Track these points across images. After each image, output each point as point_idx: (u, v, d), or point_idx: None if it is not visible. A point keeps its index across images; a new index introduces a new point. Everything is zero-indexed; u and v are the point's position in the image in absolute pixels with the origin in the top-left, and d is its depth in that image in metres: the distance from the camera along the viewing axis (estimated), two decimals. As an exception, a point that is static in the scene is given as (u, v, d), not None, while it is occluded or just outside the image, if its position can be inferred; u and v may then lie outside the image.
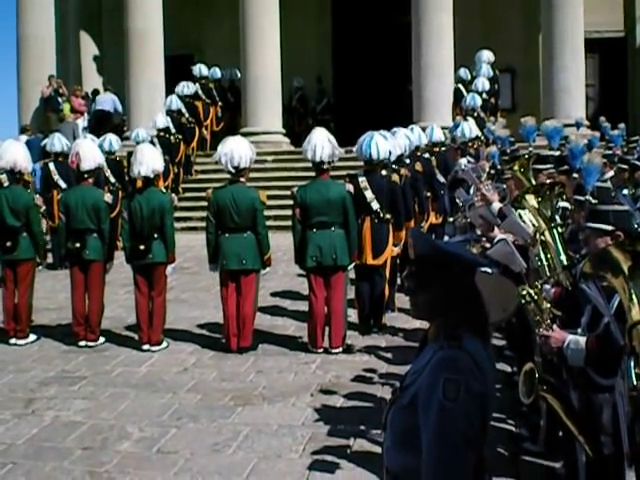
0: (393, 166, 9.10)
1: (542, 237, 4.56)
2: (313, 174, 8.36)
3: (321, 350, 7.95)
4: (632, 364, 3.06)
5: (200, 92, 19.23)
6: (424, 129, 12.14)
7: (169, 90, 18.47)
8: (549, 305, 4.04)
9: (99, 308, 8.58)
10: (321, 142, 8.04)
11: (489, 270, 4.49)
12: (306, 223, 8.03)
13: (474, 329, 2.55)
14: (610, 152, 10.16)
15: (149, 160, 8.44)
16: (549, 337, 3.86)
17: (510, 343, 7.10)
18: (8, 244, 8.60)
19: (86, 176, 8.72)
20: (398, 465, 2.59)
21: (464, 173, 8.23)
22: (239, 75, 19.70)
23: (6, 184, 9.02)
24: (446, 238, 9.38)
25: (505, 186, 6.83)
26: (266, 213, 8.46)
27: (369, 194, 8.52)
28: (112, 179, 13.48)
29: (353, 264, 8.29)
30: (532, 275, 4.79)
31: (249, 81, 18.60)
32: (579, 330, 3.90)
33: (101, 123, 18.97)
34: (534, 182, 5.46)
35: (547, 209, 4.69)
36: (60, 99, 19.55)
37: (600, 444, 3.75)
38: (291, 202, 8.37)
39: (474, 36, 19.74)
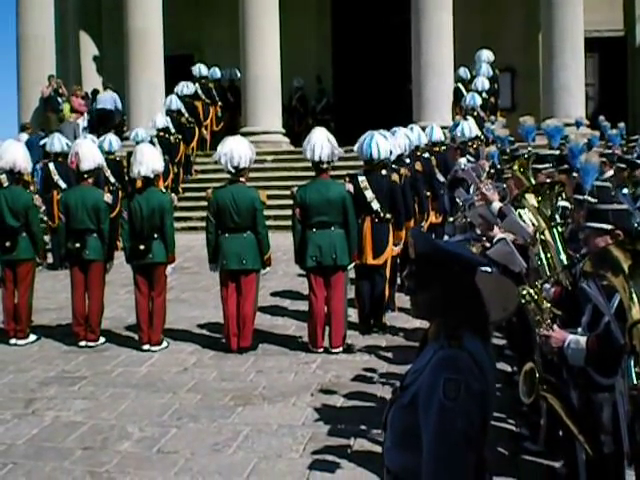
0: (393, 166, 9.10)
1: (542, 236, 4.57)
2: (313, 174, 8.36)
3: (321, 350, 7.95)
4: (632, 363, 3.06)
5: (200, 92, 19.22)
6: (424, 128, 12.13)
7: (169, 90, 18.47)
8: (549, 305, 4.04)
9: (99, 308, 8.58)
10: (320, 142, 8.04)
11: (489, 269, 4.49)
12: (306, 223, 8.03)
13: (474, 328, 2.55)
14: (610, 151, 10.15)
15: (149, 160, 8.44)
16: (549, 337, 3.86)
17: (510, 342, 7.10)
18: (7, 244, 8.61)
19: (86, 176, 8.72)
20: (398, 464, 2.59)
21: (464, 172, 8.22)
22: (239, 75, 19.69)
23: (6, 184, 9.02)
24: (446, 237, 9.37)
25: (505, 185, 6.83)
26: (266, 213, 8.46)
27: (369, 194, 8.52)
28: (112, 179, 13.48)
29: (353, 264, 8.29)
30: (532, 274, 4.79)
31: (249, 81, 18.60)
32: (579, 329, 3.90)
33: (103, 121, 18.99)
34: (534, 181, 5.46)
35: (547, 208, 4.69)
36: (60, 99, 19.56)
37: (600, 443, 3.75)
38: (291, 202, 8.37)
39: (474, 35, 19.74)
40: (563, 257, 4.48)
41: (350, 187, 8.34)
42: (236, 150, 8.05)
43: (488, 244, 5.63)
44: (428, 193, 10.82)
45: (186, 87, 18.42)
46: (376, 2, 21.42)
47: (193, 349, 8.25)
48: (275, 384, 7.04)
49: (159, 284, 8.37)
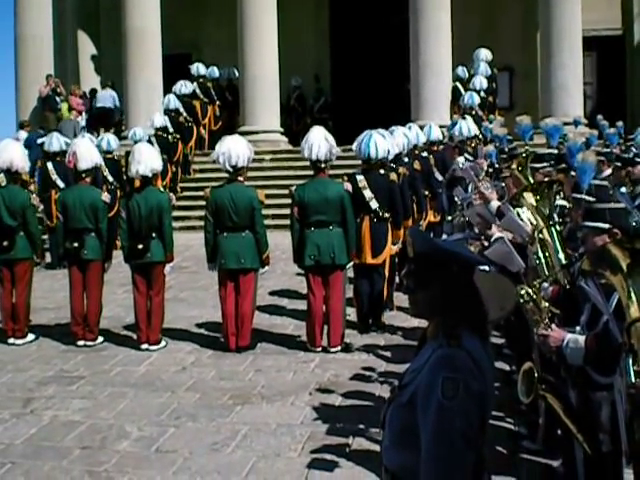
0: (391, 165, 9.10)
1: (540, 235, 4.57)
2: (311, 173, 8.36)
3: (320, 349, 7.95)
4: (630, 362, 3.07)
5: (198, 91, 19.20)
6: (422, 127, 12.13)
7: (167, 89, 18.45)
8: (547, 304, 4.04)
9: (97, 307, 8.57)
10: (318, 141, 8.04)
11: (487, 268, 4.50)
12: (304, 222, 8.03)
13: (473, 327, 2.55)
14: (608, 150, 10.16)
15: (147, 159, 8.43)
16: (548, 336, 3.86)
17: (509, 341, 7.10)
18: (5, 244, 8.61)
19: (84, 175, 8.71)
20: (397, 463, 2.59)
21: (463, 171, 8.23)
22: (237, 74, 19.68)
23: (3, 184, 9.02)
24: (444, 236, 9.37)
25: (503, 184, 6.83)
26: (264, 212, 8.46)
27: (368, 193, 8.52)
28: (110, 178, 13.47)
29: (351, 263, 8.28)
30: (531, 273, 4.80)
31: (247, 80, 18.59)
32: (577, 328, 3.90)
33: (103, 120, 18.98)
34: (532, 180, 5.47)
35: (545, 207, 4.70)
36: (58, 98, 19.56)
37: (598, 442, 3.75)
38: (289, 201, 8.37)
39: (472, 34, 19.74)
40: (561, 256, 4.48)
41: (348, 186, 8.34)
42: (234, 149, 8.05)
43: (486, 243, 5.64)
44: (426, 192, 10.83)
45: (184, 86, 18.40)
46: (374, 1, 21.42)
47: (191, 348, 8.25)
48: (274, 383, 7.04)
49: (157, 283, 8.37)
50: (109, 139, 13.94)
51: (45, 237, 12.15)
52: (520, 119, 7.75)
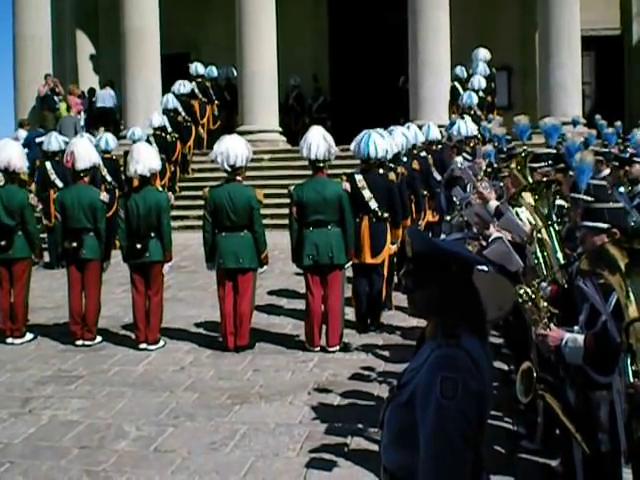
0: (390, 165, 9.10)
1: (539, 235, 4.57)
2: (310, 172, 8.36)
3: (318, 348, 7.96)
4: (629, 361, 3.07)
5: (196, 91, 19.20)
6: (421, 127, 12.13)
7: (165, 89, 18.45)
8: (546, 304, 4.04)
9: (96, 307, 8.57)
10: (317, 140, 8.04)
11: (485, 268, 4.50)
12: (303, 221, 8.03)
13: (472, 327, 2.54)
14: (606, 150, 10.17)
15: (146, 159, 8.43)
16: (547, 335, 3.86)
17: (507, 341, 7.10)
18: (3, 243, 8.62)
19: (82, 175, 8.71)
20: (395, 463, 2.59)
21: (462, 171, 8.22)
22: (235, 73, 19.68)
23: (1, 183, 9.02)
24: (443, 236, 9.38)
25: (502, 184, 6.83)
26: (263, 211, 8.46)
27: (367, 193, 8.52)
28: (108, 178, 13.48)
29: (350, 262, 8.28)
30: (529, 273, 4.79)
31: (246, 77, 18.58)
32: (576, 328, 3.90)
33: (103, 120, 18.96)
34: (531, 180, 5.46)
35: (544, 207, 4.69)
36: (56, 98, 19.54)
37: (597, 441, 3.75)
38: (288, 200, 8.37)
39: (470, 34, 19.74)
40: (560, 256, 4.48)
41: (347, 186, 8.34)
42: (232, 149, 8.05)
43: (484, 243, 5.64)
44: (425, 192, 10.82)
45: (183, 86, 18.40)
46: (373, 1, 21.41)
47: (190, 348, 8.24)
48: (272, 383, 7.04)
49: (156, 283, 8.37)
50: (107, 139, 13.93)
51: (44, 236, 12.14)
52: (518, 119, 7.74)
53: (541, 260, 4.53)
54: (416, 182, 10.18)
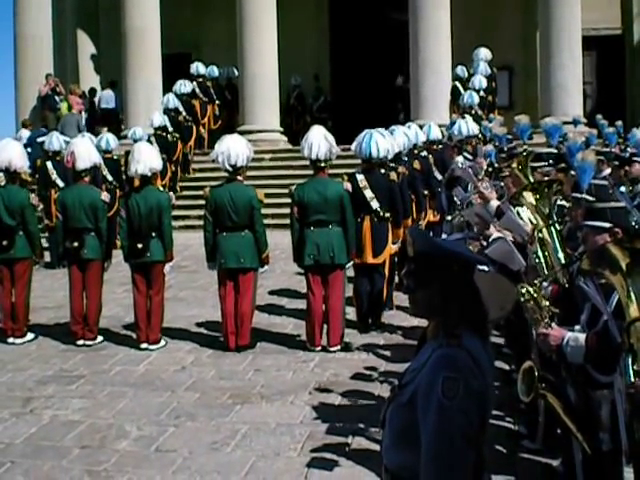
0: (391, 164, 9.10)
1: (540, 234, 4.56)
2: (311, 172, 8.36)
3: (319, 348, 7.95)
4: (630, 361, 3.06)
5: (197, 90, 19.19)
6: (421, 127, 12.13)
7: (166, 88, 18.44)
8: (548, 303, 4.04)
9: (97, 307, 8.57)
10: (317, 140, 8.04)
11: (486, 268, 4.49)
12: (304, 221, 8.03)
13: (473, 327, 2.54)
14: (607, 149, 10.16)
15: (147, 158, 8.43)
16: (548, 335, 3.86)
17: (508, 341, 7.10)
18: (4, 243, 8.62)
19: (82, 175, 8.71)
20: (397, 463, 2.59)
21: (462, 171, 8.22)
22: (236, 73, 19.67)
23: (2, 183, 9.02)
24: (444, 236, 9.37)
25: (503, 184, 6.83)
26: (264, 211, 8.45)
27: (369, 193, 8.51)
28: (109, 178, 13.48)
29: (351, 262, 8.28)
30: (531, 273, 4.79)
31: (247, 78, 18.58)
32: (577, 327, 3.90)
33: (107, 121, 18.97)
34: (532, 179, 5.46)
35: (545, 206, 4.69)
36: (57, 98, 19.56)
37: (598, 441, 3.75)
38: (289, 200, 8.37)
39: (471, 34, 19.73)
40: (561, 255, 4.48)
41: (348, 186, 8.34)
42: (233, 149, 8.04)
43: (485, 243, 5.64)
44: (426, 192, 10.82)
45: (184, 86, 18.40)
46: (374, 1, 21.40)
47: (191, 348, 8.24)
48: (273, 382, 7.04)
49: (157, 283, 8.37)
50: (108, 138, 13.94)
51: (45, 236, 12.14)
52: (518, 118, 7.74)
53: (542, 260, 4.53)
54: (417, 182, 10.17)
